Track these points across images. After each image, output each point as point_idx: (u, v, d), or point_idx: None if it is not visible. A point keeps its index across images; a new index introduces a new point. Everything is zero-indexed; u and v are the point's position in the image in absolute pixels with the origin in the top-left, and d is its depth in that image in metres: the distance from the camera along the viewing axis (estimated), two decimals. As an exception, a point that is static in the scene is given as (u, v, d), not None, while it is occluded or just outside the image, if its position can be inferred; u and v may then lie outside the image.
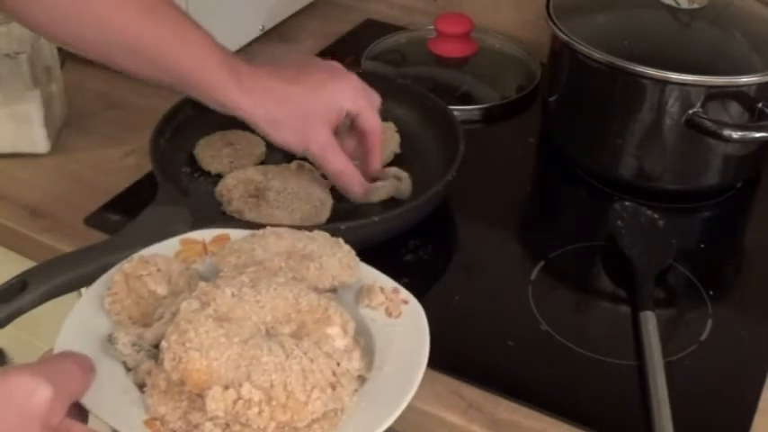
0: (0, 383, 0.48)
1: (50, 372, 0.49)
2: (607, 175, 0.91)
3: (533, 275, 0.80)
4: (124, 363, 0.56)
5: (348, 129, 0.82)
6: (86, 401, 0.52)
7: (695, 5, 0.89)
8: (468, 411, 0.67)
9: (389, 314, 0.61)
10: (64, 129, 0.95)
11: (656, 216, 0.84)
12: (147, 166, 0.84)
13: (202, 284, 0.57)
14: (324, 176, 0.85)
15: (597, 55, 0.84)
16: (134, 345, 0.56)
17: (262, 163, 0.88)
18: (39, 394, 0.47)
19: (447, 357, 0.70)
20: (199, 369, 0.51)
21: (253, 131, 0.90)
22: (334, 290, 0.62)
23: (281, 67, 0.80)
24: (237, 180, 0.83)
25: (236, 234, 0.66)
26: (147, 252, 0.64)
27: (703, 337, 0.74)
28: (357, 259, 0.64)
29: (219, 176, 0.86)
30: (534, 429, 0.66)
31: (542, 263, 0.81)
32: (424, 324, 0.61)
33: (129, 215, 0.77)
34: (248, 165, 0.87)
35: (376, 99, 0.82)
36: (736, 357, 0.73)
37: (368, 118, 0.80)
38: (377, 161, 0.83)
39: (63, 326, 0.58)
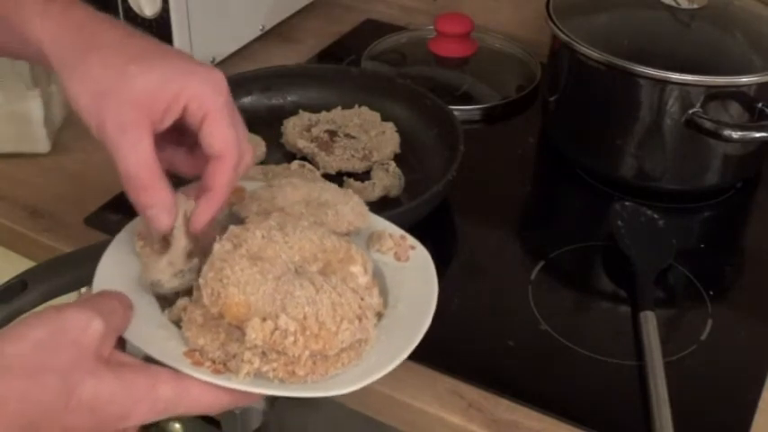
0: (56, 318, 0.50)
1: (99, 307, 0.52)
2: (607, 175, 0.91)
3: (533, 275, 0.80)
4: (160, 300, 0.59)
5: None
6: (129, 335, 0.55)
7: (695, 5, 0.89)
8: (468, 411, 0.67)
9: (398, 258, 0.65)
10: (64, 129, 0.95)
11: (656, 216, 0.84)
12: (147, 166, 0.84)
13: (233, 227, 0.59)
14: (324, 177, 0.85)
15: (597, 55, 0.84)
16: (175, 275, 0.59)
17: (262, 163, 0.88)
18: (92, 327, 0.50)
19: (447, 357, 0.70)
20: (237, 303, 0.54)
21: (253, 131, 0.91)
22: (348, 235, 0.64)
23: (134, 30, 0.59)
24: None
25: (250, 185, 0.69)
26: None
27: (703, 337, 0.74)
28: (366, 207, 0.67)
29: (219, 176, 0.85)
30: (534, 429, 0.66)
31: (542, 263, 0.81)
32: (431, 267, 0.64)
33: (129, 215, 0.76)
34: (248, 165, 0.87)
35: (238, 118, 0.60)
36: (736, 357, 0.73)
37: (220, 130, 0.57)
38: (212, 208, 0.58)
39: (98, 270, 0.61)
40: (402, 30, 1.16)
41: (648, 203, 0.86)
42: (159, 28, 0.98)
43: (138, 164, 0.55)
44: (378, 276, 0.62)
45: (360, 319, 0.55)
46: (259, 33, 1.11)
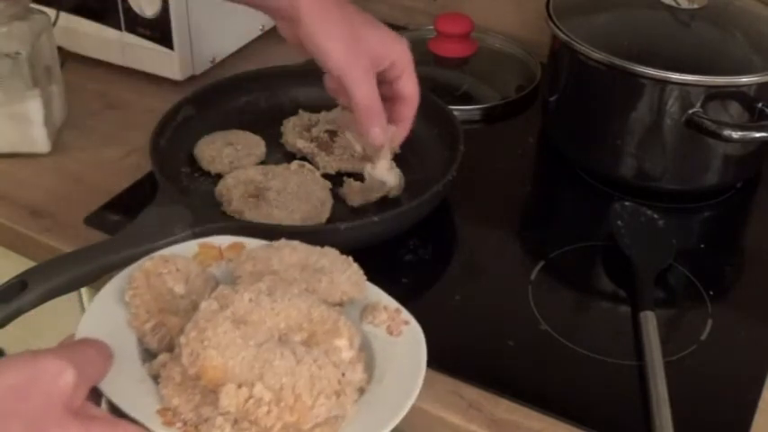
0: (29, 365, 0.50)
1: (74, 356, 0.52)
2: (607, 175, 0.91)
3: (533, 275, 0.80)
4: (140, 353, 0.59)
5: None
6: (104, 387, 0.54)
7: (695, 5, 0.89)
8: (468, 411, 0.67)
9: (390, 332, 0.63)
10: (64, 129, 0.95)
11: (656, 216, 0.84)
12: (147, 166, 0.84)
13: (222, 287, 0.59)
14: (324, 177, 0.85)
15: (597, 55, 0.84)
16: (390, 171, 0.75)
17: (262, 163, 0.88)
18: (64, 377, 0.50)
19: (447, 357, 0.70)
20: (215, 366, 0.53)
21: (253, 131, 0.91)
22: (341, 304, 0.63)
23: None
24: (237, 180, 0.83)
25: (250, 243, 0.68)
26: (167, 252, 0.66)
27: (703, 337, 0.74)
28: (365, 277, 0.66)
29: (219, 176, 0.86)
30: (534, 429, 0.66)
31: (542, 263, 0.81)
32: (422, 345, 0.62)
33: (129, 215, 0.77)
34: (248, 165, 0.87)
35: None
36: (736, 357, 0.73)
37: (411, 81, 0.79)
38: (406, 131, 0.81)
39: (84, 315, 0.60)
40: (402, 30, 1.16)
41: (648, 203, 0.86)
42: (159, 28, 0.98)
43: (373, 96, 0.76)
44: (366, 348, 0.61)
45: (338, 395, 0.54)
46: (259, 33, 1.11)
